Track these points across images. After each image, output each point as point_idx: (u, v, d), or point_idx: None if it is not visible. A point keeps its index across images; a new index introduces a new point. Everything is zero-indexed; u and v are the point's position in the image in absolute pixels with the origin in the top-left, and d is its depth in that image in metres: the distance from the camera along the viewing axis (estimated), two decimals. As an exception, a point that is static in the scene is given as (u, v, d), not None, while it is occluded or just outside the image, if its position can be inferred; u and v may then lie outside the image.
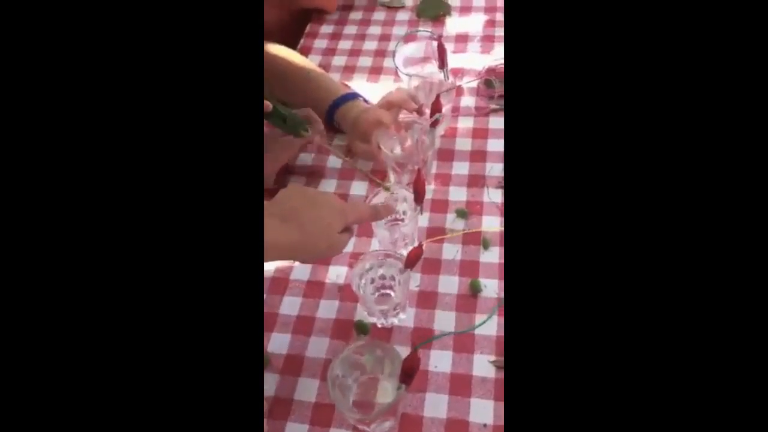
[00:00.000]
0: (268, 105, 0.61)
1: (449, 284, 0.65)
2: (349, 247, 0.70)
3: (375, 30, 1.03)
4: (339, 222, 0.54)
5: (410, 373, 0.47)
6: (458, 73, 0.90)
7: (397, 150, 0.75)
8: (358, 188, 0.77)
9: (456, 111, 0.84)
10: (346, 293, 0.66)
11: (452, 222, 0.72)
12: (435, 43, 0.81)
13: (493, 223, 0.71)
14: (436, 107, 0.66)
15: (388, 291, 0.63)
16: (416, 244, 0.68)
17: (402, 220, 0.69)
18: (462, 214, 0.72)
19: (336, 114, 0.80)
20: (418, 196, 0.62)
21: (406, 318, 0.63)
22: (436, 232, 0.71)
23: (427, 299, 0.64)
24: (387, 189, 0.62)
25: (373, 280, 0.63)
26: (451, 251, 0.69)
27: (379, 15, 1.06)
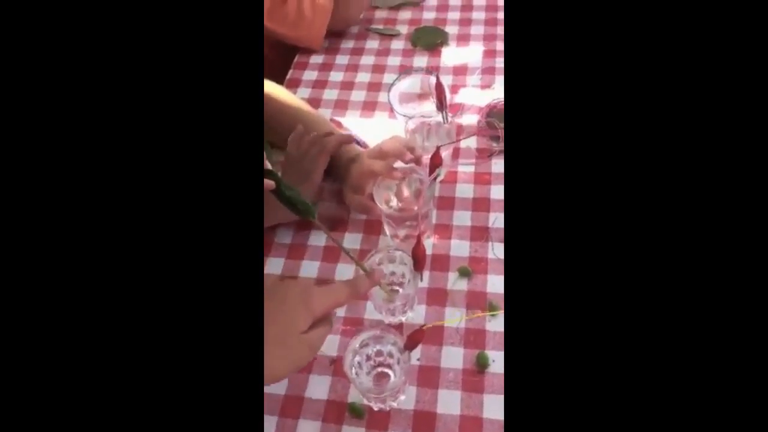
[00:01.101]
0: (270, 184, 0.52)
1: (453, 358, 0.59)
2: (341, 312, 0.64)
3: (368, 60, 0.97)
4: (303, 320, 0.44)
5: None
6: (457, 109, 0.85)
7: (393, 202, 0.68)
8: (352, 240, 0.71)
9: (456, 154, 0.78)
10: (338, 367, 0.60)
11: (454, 282, 0.65)
12: (433, 80, 0.75)
13: (498, 284, 0.65)
14: (435, 161, 0.60)
15: (385, 369, 0.57)
16: (415, 308, 0.63)
17: (401, 284, 0.63)
18: (465, 272, 0.66)
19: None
20: (418, 264, 0.56)
21: (405, 399, 0.57)
22: (436, 294, 0.65)
23: (428, 376, 0.58)
24: (364, 269, 0.55)
25: (368, 357, 0.56)
26: (455, 317, 0.62)
27: (372, 43, 1.00)
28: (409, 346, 0.52)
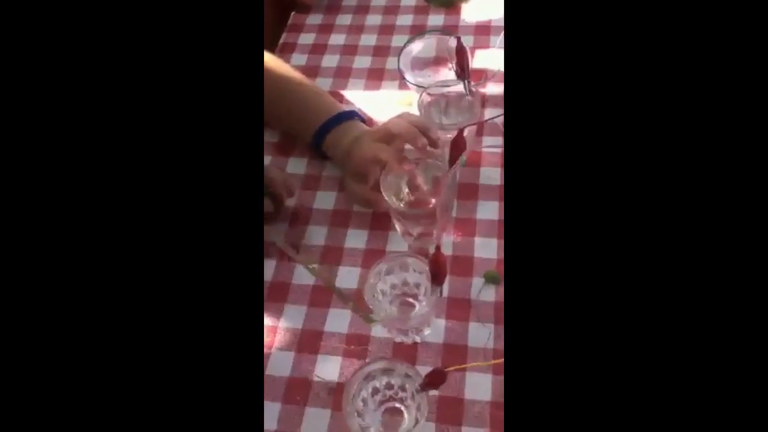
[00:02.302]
0: None
1: (479, 388, 0.48)
2: (344, 328, 0.54)
3: (374, 20, 0.83)
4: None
5: None
6: (480, 76, 0.71)
7: (405, 193, 0.56)
8: (356, 239, 0.60)
9: (480, 130, 0.65)
10: (339, 397, 0.49)
11: (479, 291, 0.54)
12: (452, 42, 0.62)
13: (534, 292, 0.53)
14: (457, 146, 0.48)
15: (396, 404, 0.46)
16: (432, 323, 0.52)
17: (415, 295, 0.51)
18: (492, 278, 0.54)
19: (325, 140, 0.62)
20: (437, 279, 0.44)
21: (421, 439, 0.46)
22: (457, 305, 0.53)
23: (449, 410, 0.47)
24: (371, 321, 0.44)
25: (376, 391, 0.46)
26: (482, 335, 0.51)
27: (379, 0, 0.86)
28: (427, 387, 0.41)
